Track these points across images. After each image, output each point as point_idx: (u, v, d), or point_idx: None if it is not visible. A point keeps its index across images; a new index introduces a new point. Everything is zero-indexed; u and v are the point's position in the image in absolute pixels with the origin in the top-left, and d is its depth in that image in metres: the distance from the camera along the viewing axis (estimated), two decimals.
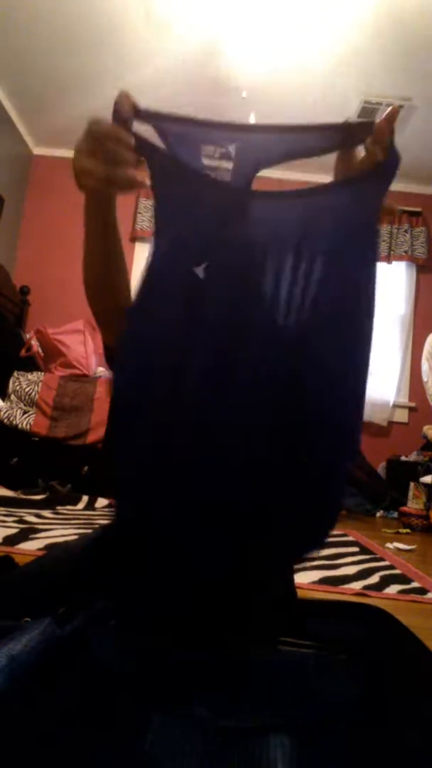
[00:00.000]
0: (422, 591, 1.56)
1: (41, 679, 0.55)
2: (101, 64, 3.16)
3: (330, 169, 0.67)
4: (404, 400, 4.05)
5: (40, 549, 1.55)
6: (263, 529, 0.61)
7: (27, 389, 3.01)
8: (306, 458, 0.61)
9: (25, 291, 3.86)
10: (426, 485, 3.20)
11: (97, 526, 1.97)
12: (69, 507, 2.44)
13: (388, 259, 4.05)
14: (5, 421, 2.93)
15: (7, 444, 2.90)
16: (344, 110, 3.34)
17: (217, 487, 0.60)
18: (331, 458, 0.63)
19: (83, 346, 3.26)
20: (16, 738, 0.48)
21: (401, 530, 2.88)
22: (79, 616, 0.61)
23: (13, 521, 1.93)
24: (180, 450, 0.60)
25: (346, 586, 1.51)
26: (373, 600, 1.39)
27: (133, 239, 4.04)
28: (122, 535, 0.69)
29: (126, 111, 0.62)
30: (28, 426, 2.93)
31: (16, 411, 2.97)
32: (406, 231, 4.09)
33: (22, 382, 3.04)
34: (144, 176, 0.61)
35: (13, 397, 3.02)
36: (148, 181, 0.61)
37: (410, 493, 3.19)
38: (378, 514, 3.38)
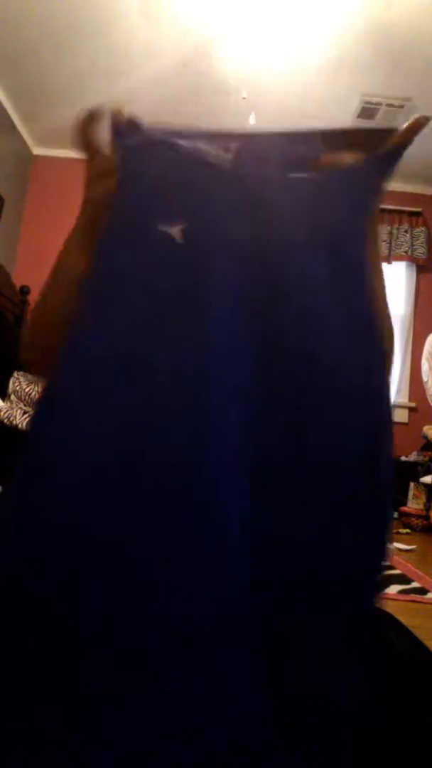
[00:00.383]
0: (422, 591, 1.56)
1: None
2: (101, 64, 3.16)
3: None
4: (404, 400, 4.05)
5: None
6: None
7: (27, 389, 3.01)
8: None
9: (25, 291, 3.86)
10: (426, 485, 3.21)
11: None
12: None
13: (388, 259, 4.06)
14: (5, 421, 2.93)
15: (6, 444, 2.90)
16: (344, 110, 3.34)
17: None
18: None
19: None
20: None
21: (401, 530, 2.88)
22: None
23: None
24: None
25: None
26: None
27: None
28: None
29: (119, 121, 0.59)
30: (29, 426, 2.93)
31: (16, 411, 2.97)
32: (406, 231, 4.09)
33: (22, 382, 3.04)
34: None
35: (13, 397, 3.02)
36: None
37: (410, 493, 3.19)
38: None
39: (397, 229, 4.09)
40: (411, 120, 0.59)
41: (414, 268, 4.15)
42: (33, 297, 3.92)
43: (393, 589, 1.53)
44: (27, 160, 4.17)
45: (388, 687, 0.58)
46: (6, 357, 3.21)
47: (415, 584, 1.62)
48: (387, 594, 1.49)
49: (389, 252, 4.06)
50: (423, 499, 3.15)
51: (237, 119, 3.26)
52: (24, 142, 4.07)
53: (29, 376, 3.06)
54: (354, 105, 3.31)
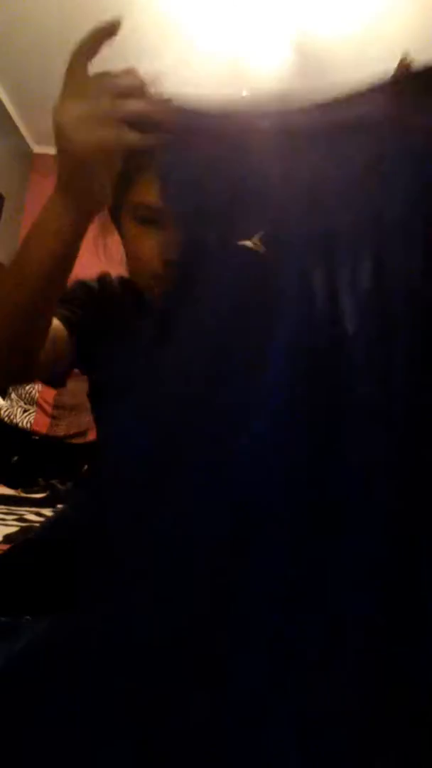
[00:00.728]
0: None
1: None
2: (101, 64, 3.15)
3: None
4: None
5: None
6: None
7: (27, 388, 3.01)
8: None
9: None
10: None
11: None
12: None
13: None
14: (5, 419, 2.93)
15: (7, 442, 2.90)
16: None
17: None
18: None
19: None
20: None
21: None
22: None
23: (14, 519, 1.93)
24: None
25: None
26: None
27: None
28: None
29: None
30: (29, 424, 2.93)
31: (17, 409, 2.97)
32: None
33: None
34: None
35: (13, 395, 3.02)
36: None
37: None
38: None
39: None
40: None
41: None
42: None
43: None
44: (27, 158, 4.17)
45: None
46: None
47: None
48: None
49: None
50: None
51: None
52: (24, 141, 4.07)
53: None
54: None
